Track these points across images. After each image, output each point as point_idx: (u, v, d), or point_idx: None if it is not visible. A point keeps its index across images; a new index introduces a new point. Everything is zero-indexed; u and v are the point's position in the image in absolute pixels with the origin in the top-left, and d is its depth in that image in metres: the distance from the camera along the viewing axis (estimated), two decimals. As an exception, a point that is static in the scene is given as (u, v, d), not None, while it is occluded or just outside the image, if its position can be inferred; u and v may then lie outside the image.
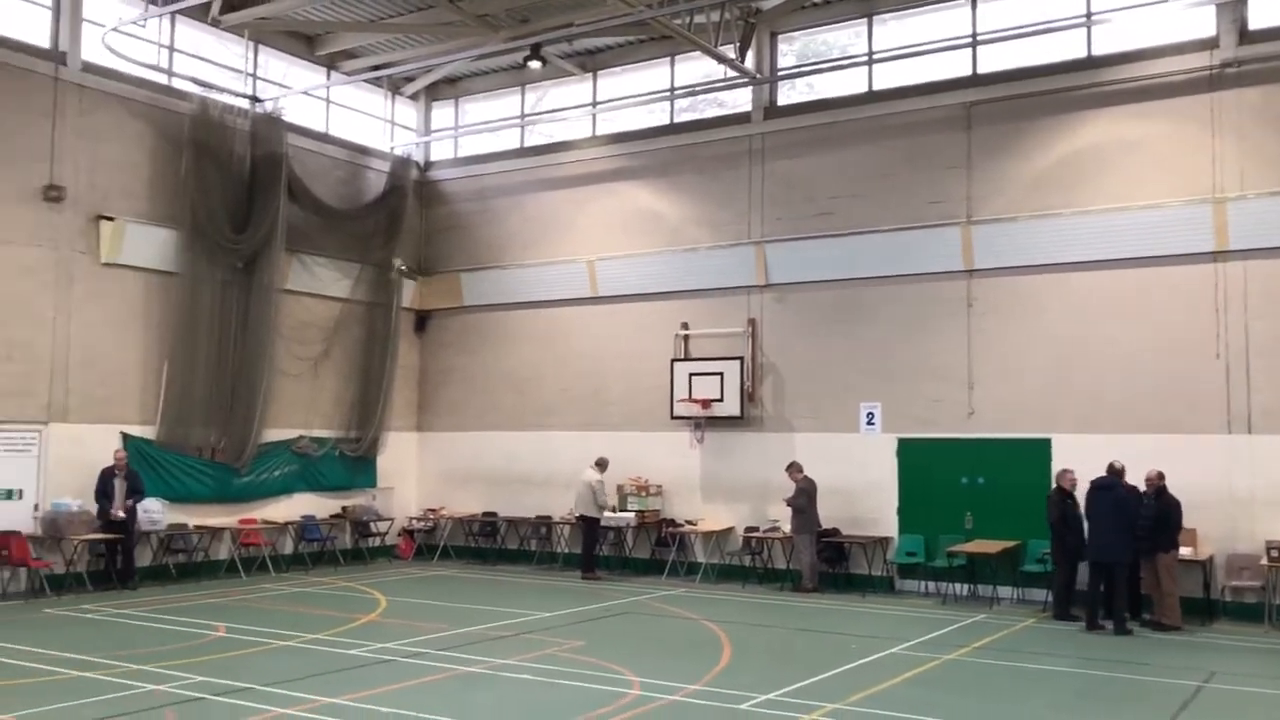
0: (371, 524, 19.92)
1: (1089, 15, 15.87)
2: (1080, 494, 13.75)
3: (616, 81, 20.15)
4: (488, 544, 20.20)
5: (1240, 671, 11.10)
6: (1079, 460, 14.29)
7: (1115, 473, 13.44)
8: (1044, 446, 15.41)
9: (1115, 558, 13.07)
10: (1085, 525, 13.58)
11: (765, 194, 18.16)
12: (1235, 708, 9.77)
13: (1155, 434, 14.63)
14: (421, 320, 21.64)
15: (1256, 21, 14.77)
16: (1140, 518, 13.26)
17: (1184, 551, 13.65)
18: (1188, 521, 13.72)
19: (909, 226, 16.80)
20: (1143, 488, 13.60)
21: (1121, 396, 15.05)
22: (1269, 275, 14.32)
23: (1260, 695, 10.20)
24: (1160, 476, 13.54)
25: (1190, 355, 14.67)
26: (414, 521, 20.86)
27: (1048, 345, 15.69)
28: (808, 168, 17.85)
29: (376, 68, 20.07)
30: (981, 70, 16.65)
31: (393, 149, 21.19)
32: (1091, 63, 15.79)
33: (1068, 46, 16.05)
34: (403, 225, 20.71)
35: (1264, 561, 13.63)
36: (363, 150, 20.76)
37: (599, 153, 19.93)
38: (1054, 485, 14.25)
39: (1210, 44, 14.93)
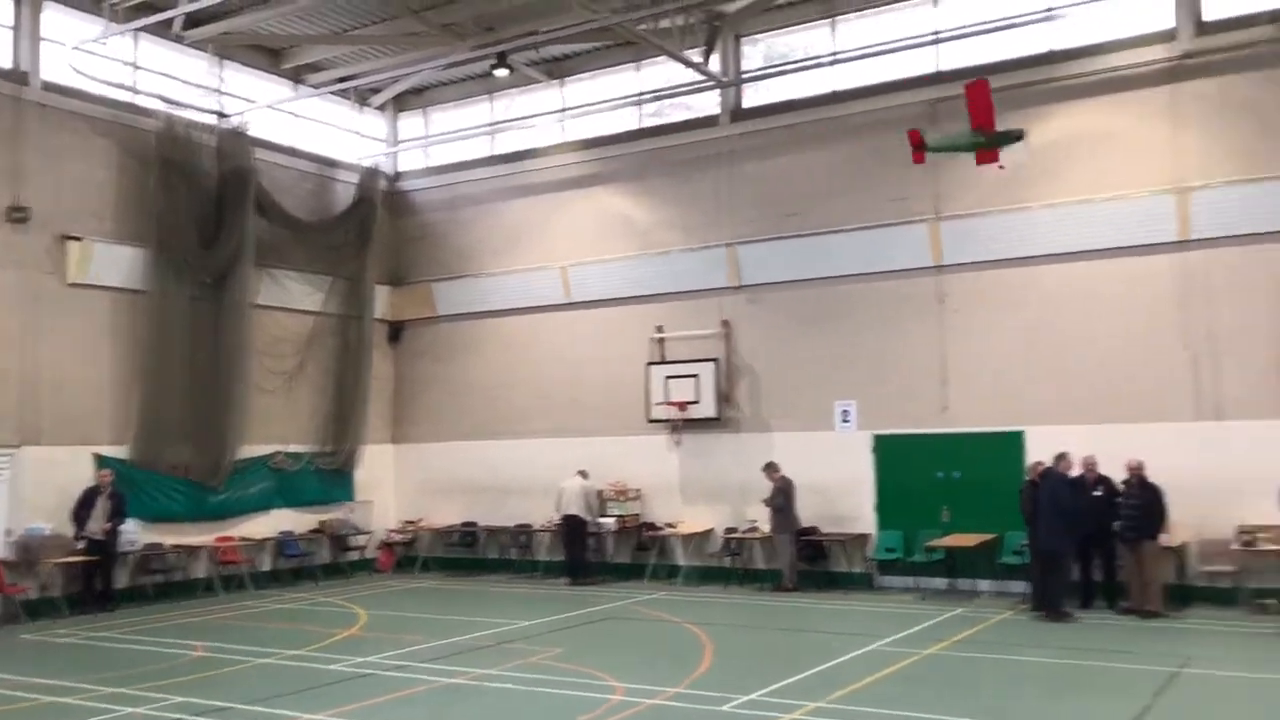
0: (350, 538, 19.84)
1: (1049, 10, 16.02)
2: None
3: (584, 87, 20.18)
4: (467, 554, 20.16)
5: (1215, 656, 11.22)
6: (1052, 452, 14.35)
7: (1054, 464, 13.63)
8: (1017, 439, 15.52)
9: (1050, 546, 13.26)
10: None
11: (735, 196, 18.22)
12: (1209, 693, 9.87)
13: (1127, 423, 14.77)
14: (395, 331, 21.58)
15: (1211, 13, 14.96)
16: (1086, 507, 13.68)
17: (1163, 539, 13.78)
18: (1162, 509, 13.88)
19: (878, 224, 16.90)
20: (1123, 476, 13.79)
21: (1092, 387, 15.19)
22: (1232, 263, 14.50)
23: (1234, 679, 10.32)
24: (1140, 465, 13.67)
25: (1158, 344, 14.83)
26: (393, 534, 20.78)
27: (1018, 339, 15.82)
28: (776, 169, 17.93)
29: (343, 80, 20.00)
30: (944, 67, 16.78)
31: (361, 160, 21.13)
32: (1053, 57, 15.95)
33: (1030, 42, 16.20)
34: (373, 236, 20.63)
35: (1236, 546, 13.80)
36: (331, 163, 20.69)
37: (569, 158, 19.95)
38: (1026, 478, 14.34)
39: (1168, 36, 15.12)
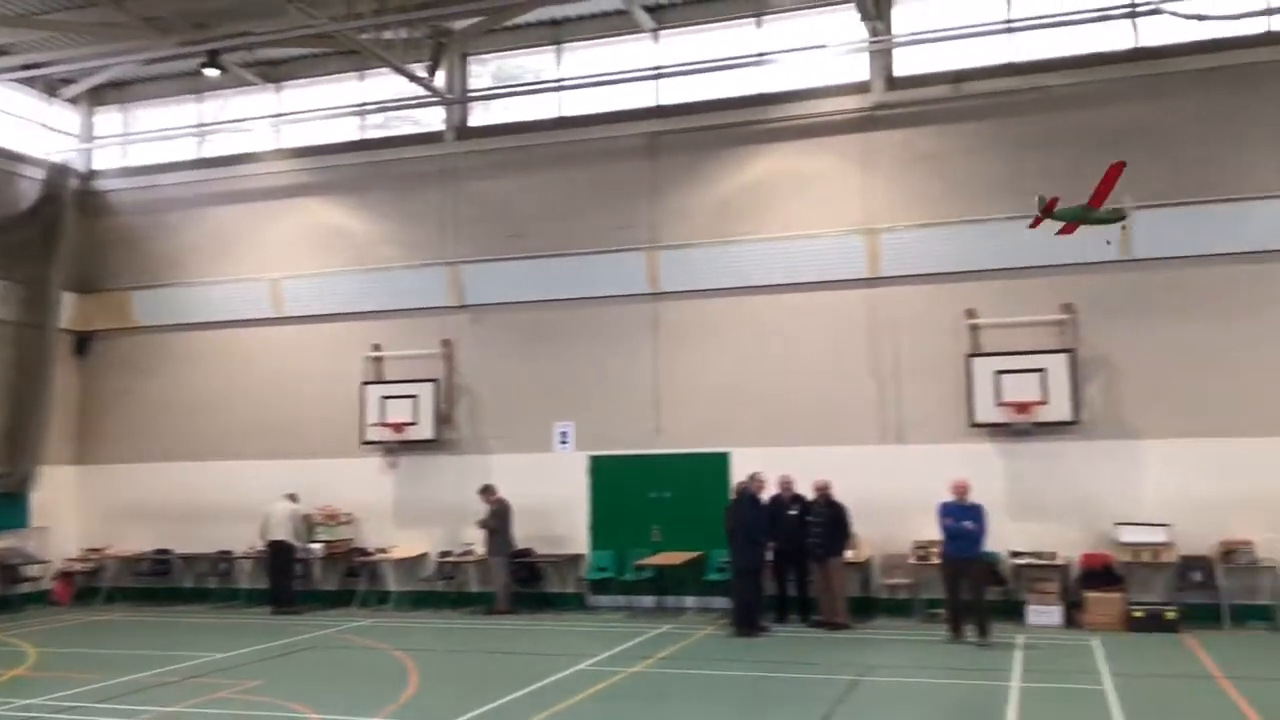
0: (21, 568, 17.98)
1: (760, 55, 16.96)
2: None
3: (302, 93, 19.43)
4: (160, 583, 18.76)
5: (893, 664, 12.10)
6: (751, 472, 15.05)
7: (746, 483, 14.35)
8: (723, 460, 16.22)
9: (741, 563, 13.96)
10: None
11: (460, 214, 18.08)
12: (886, 697, 10.63)
13: (821, 445, 15.75)
14: (82, 342, 19.84)
15: (901, 69, 16.33)
16: (792, 525, 14.50)
17: (849, 555, 14.76)
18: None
19: (599, 250, 17.25)
20: (811, 496, 14.65)
21: (791, 411, 16.10)
22: (914, 300, 15.82)
23: (909, 685, 11.17)
24: (826, 485, 14.56)
25: (849, 373, 15.93)
26: (72, 563, 19.02)
27: (726, 364, 16.54)
28: (502, 189, 17.94)
29: (29, 67, 18.26)
30: (665, 101, 17.39)
31: (48, 155, 19.36)
32: (763, 100, 16.87)
33: (743, 83, 17.07)
34: (60, 238, 18.93)
35: (912, 560, 14.99)
36: (13, 156, 18.84)
37: (284, 166, 19.13)
38: (731, 497, 14.91)
39: (863, 88, 16.36)
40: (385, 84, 18.72)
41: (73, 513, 19.44)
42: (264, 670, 12.22)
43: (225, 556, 18.38)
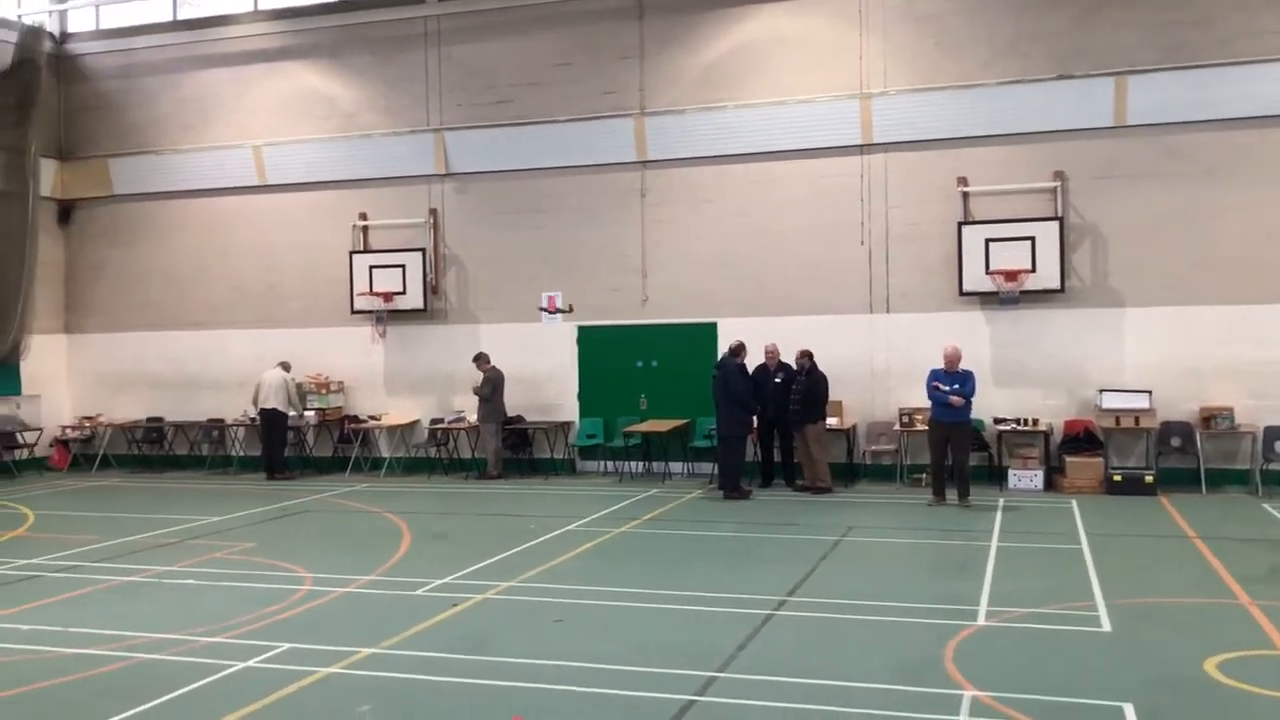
0: (17, 434, 18.14)
1: (753, -89, 16.35)
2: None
3: (279, -48, 18.77)
4: (154, 451, 18.98)
5: (873, 524, 12.40)
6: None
7: (731, 353, 14.43)
8: (711, 330, 16.27)
9: (725, 430, 14.21)
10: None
11: (444, 80, 17.69)
12: (869, 554, 10.91)
13: (808, 315, 15.81)
14: (65, 211, 19.63)
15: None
16: (779, 392, 14.62)
17: (831, 422, 14.95)
18: (836, 394, 15.02)
19: (585, 117, 16.94)
20: (794, 365, 14.75)
21: (779, 281, 16.09)
22: (906, 167, 15.64)
23: (891, 544, 11.45)
24: (806, 355, 14.62)
25: (839, 242, 15.85)
26: (67, 430, 19.20)
27: (714, 234, 16.44)
28: (487, 54, 17.51)
29: (-7, -79, 17.60)
30: (652, -40, 16.84)
31: (20, 17, 18.77)
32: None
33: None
34: (36, 103, 18.51)
35: (897, 427, 15.21)
36: (-17, 17, 18.30)
37: (263, 28, 18.60)
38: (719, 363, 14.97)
39: (862, -54, 15.83)
40: (365, -59, 18.07)
41: (64, 381, 19.55)
42: (258, 533, 12.46)
43: (217, 424, 18.54)
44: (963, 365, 13.41)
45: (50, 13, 19.44)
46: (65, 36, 19.71)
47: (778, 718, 5.98)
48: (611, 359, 16.93)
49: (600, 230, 16.97)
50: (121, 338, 19.41)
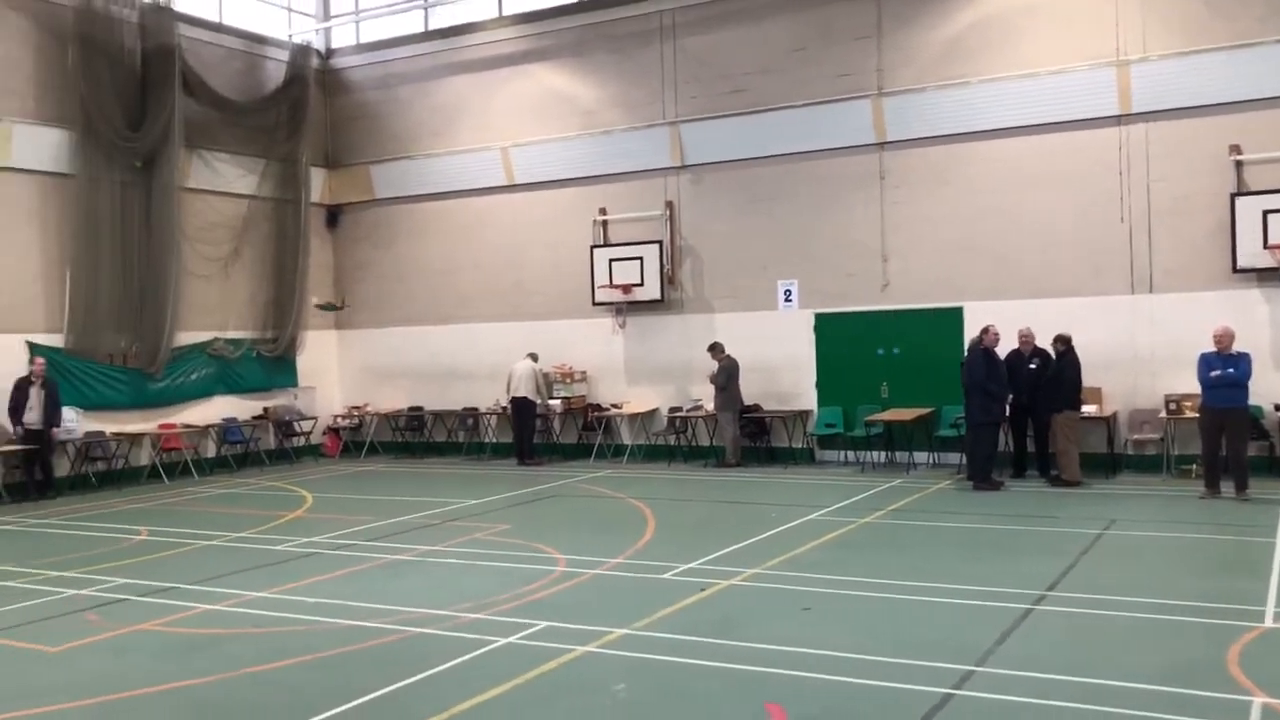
0: (295, 424, 19.78)
1: (996, -123, 15.66)
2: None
3: (521, -41, 19.53)
4: (415, 438, 20.24)
5: (1138, 518, 11.63)
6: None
7: (979, 338, 13.85)
8: (956, 315, 15.72)
9: (973, 418, 13.72)
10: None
11: (679, 72, 17.90)
12: (1130, 548, 10.27)
13: (1063, 298, 15.01)
14: (333, 215, 21.19)
15: (1159, -121, 14.69)
16: (1033, 377, 13.99)
17: (1089, 409, 14.14)
18: (1094, 380, 14.21)
19: (821, 101, 16.72)
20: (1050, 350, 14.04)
21: (1030, 262, 15.36)
22: (1168, 137, 14.58)
23: (1160, 539, 10.72)
24: (1061, 339, 13.86)
25: (1096, 219, 14.97)
26: (338, 419, 20.75)
27: (958, 215, 15.87)
28: (719, 44, 17.59)
29: (268, -49, 19.17)
30: (890, -62, 16.42)
31: (291, 37, 20.40)
32: (999, -74, 15.65)
33: (975, -90, 15.85)
34: (307, 117, 20.08)
35: (1163, 414, 14.21)
36: (260, 39, 19.97)
37: (507, 33, 19.41)
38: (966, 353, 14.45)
39: (1115, -97, 14.86)
40: (601, -58, 18.52)
41: (335, 374, 21.13)
42: (513, 515, 13.05)
43: (472, 413, 19.55)
44: (1237, 347, 12.37)
45: (317, 30, 21.01)
46: (330, 53, 21.25)
47: (1043, 716, 5.73)
48: (850, 346, 16.66)
49: (837, 215, 16.72)
50: (384, 333, 20.79)
